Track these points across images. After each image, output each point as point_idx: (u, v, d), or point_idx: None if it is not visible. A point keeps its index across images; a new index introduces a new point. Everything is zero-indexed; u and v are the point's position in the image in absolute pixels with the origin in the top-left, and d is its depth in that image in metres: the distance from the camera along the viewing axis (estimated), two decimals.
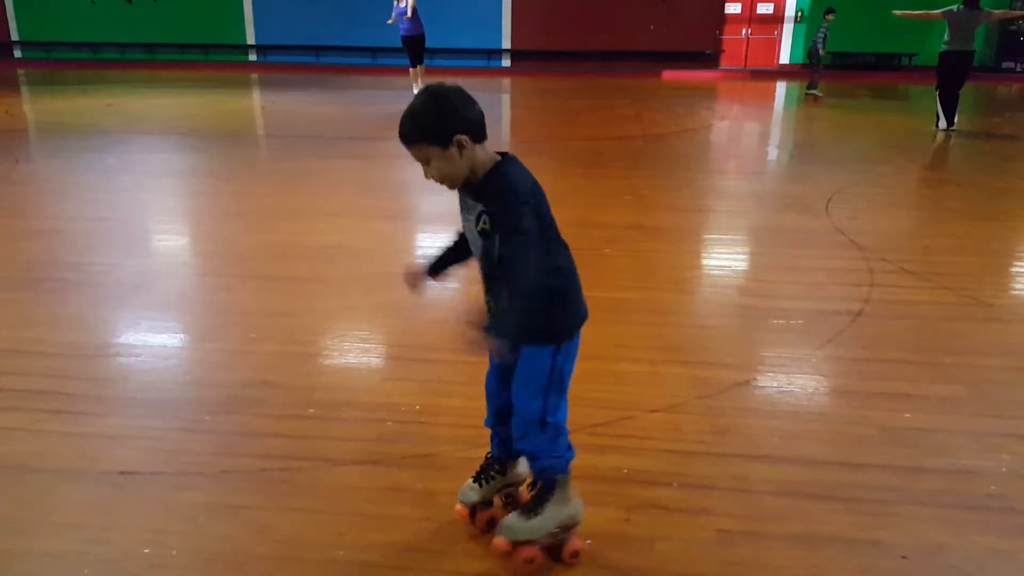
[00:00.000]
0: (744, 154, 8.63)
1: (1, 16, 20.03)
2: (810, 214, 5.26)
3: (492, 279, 1.76)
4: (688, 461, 2.32)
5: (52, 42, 19.95)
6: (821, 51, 12.51)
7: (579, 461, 2.29)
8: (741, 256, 4.66)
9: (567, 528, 1.88)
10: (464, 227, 1.78)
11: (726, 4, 18.37)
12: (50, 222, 5.12)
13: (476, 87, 11.57)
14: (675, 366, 2.98)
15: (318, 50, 19.87)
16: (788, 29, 18.47)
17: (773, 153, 8.71)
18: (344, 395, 2.73)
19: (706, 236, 5.03)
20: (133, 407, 2.62)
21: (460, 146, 1.63)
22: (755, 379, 2.87)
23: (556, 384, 1.81)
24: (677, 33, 18.53)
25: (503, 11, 19.04)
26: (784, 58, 18.64)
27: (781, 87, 15.72)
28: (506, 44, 19.33)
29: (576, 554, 1.88)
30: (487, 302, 1.79)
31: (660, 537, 1.98)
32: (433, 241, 4.79)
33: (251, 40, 20.07)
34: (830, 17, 12.56)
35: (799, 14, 17.96)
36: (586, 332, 3.22)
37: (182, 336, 3.31)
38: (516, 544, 1.84)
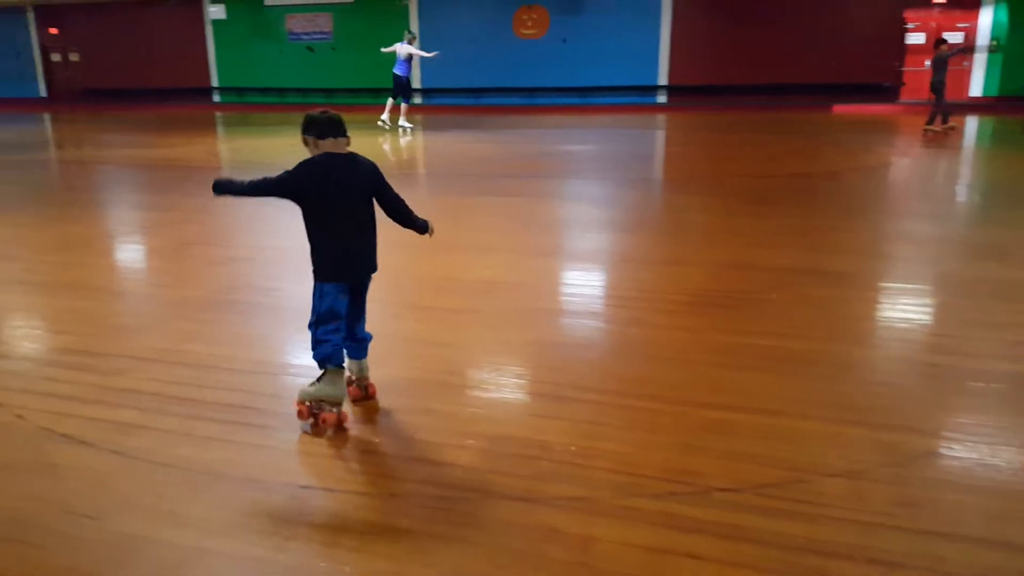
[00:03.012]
0: (930, 194, 7.94)
1: (204, 65, 22.69)
2: (1011, 263, 4.73)
3: None
4: (872, 533, 2.11)
5: (245, 87, 22.25)
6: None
7: (748, 523, 2.18)
8: (930, 308, 4.24)
9: (325, 402, 2.75)
10: None
11: (907, 34, 17.21)
12: (243, 250, 5.64)
13: (630, 123, 11.63)
14: (856, 427, 2.75)
15: (477, 92, 20.77)
16: (980, 59, 16.97)
17: (964, 193, 7.94)
18: (500, 429, 2.76)
19: (888, 284, 4.65)
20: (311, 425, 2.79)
21: (306, 143, 2.77)
22: (950, 448, 2.59)
23: (317, 307, 2.80)
24: (850, 65, 17.58)
25: (660, 48, 19.00)
26: (976, 90, 17.13)
27: (972, 122, 14.42)
28: (662, 80, 19.23)
29: (324, 421, 2.73)
30: None
31: None
32: (587, 278, 4.81)
33: (416, 84, 21.36)
34: (944, 47, 12.09)
35: (994, 43, 16.47)
36: (754, 383, 3.09)
37: None
38: (299, 401, 2.80)
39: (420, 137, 13.96)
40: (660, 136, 13.78)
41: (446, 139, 13.15)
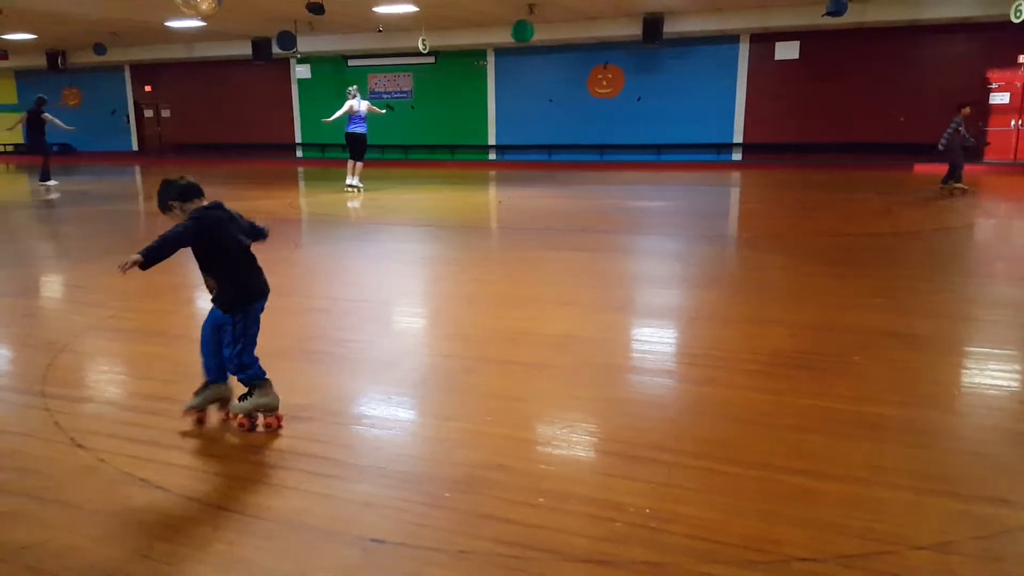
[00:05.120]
0: (1017, 257, 7.57)
1: (290, 122, 23.91)
2: None
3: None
4: None
5: (327, 144, 23.25)
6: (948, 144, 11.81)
7: None
8: (1019, 374, 3.99)
9: (264, 410, 3.22)
10: None
11: (991, 94, 16.73)
12: (320, 301, 5.82)
13: (704, 180, 11.57)
14: (943, 497, 2.60)
15: (550, 148, 21.14)
16: None
17: None
18: (572, 487, 2.71)
19: (975, 348, 4.43)
20: (383, 477, 2.81)
21: (171, 207, 3.07)
22: None
23: (243, 332, 3.18)
24: (932, 125, 17.14)
25: (735, 105, 18.99)
26: None
27: None
28: (737, 138, 19.16)
29: (268, 425, 3.21)
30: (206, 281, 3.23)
31: None
32: (660, 335, 4.75)
33: (492, 141, 21.90)
34: (966, 111, 11.79)
35: None
36: (836, 449, 2.97)
37: (426, 413, 3.53)
38: (235, 415, 3.25)
39: (494, 193, 14.21)
40: (735, 193, 13.66)
41: (519, 194, 13.36)
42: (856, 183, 13.57)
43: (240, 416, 3.24)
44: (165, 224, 3.11)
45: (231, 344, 3.15)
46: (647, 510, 2.53)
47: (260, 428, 3.21)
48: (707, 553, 2.29)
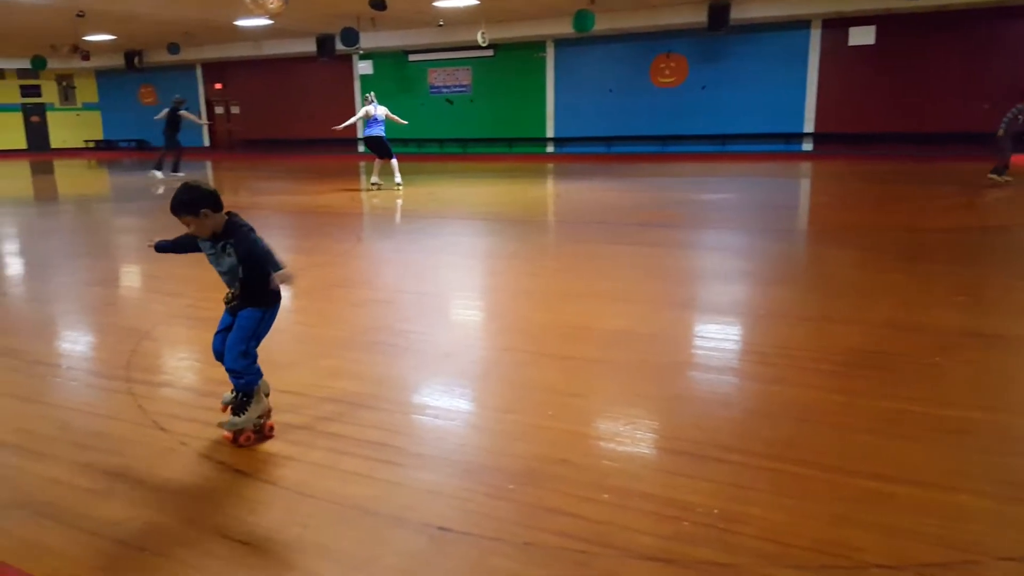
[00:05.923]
0: None
1: (351, 117, 24.27)
2: None
3: (233, 282, 3.03)
4: None
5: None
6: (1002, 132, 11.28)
7: None
8: None
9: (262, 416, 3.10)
10: (208, 256, 3.02)
11: None
12: (382, 293, 5.91)
13: (772, 172, 11.21)
14: None
15: (609, 140, 20.95)
16: None
17: None
18: (637, 485, 2.68)
19: None
20: (447, 467, 2.84)
21: (205, 215, 2.89)
22: None
23: (258, 332, 3.07)
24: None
25: (806, 94, 18.43)
26: None
27: None
28: (808, 128, 18.59)
29: (271, 428, 3.13)
30: (231, 293, 3.05)
31: None
32: (726, 332, 4.64)
33: (550, 134, 21.83)
34: None
35: None
36: (914, 453, 2.85)
37: (487, 405, 3.54)
38: (239, 431, 3.04)
39: (552, 186, 14.16)
40: (805, 185, 13.26)
41: (578, 188, 13.28)
42: (936, 174, 12.99)
43: (242, 433, 3.05)
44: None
45: (244, 340, 2.99)
46: (715, 510, 2.48)
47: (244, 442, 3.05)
48: (778, 556, 2.23)
